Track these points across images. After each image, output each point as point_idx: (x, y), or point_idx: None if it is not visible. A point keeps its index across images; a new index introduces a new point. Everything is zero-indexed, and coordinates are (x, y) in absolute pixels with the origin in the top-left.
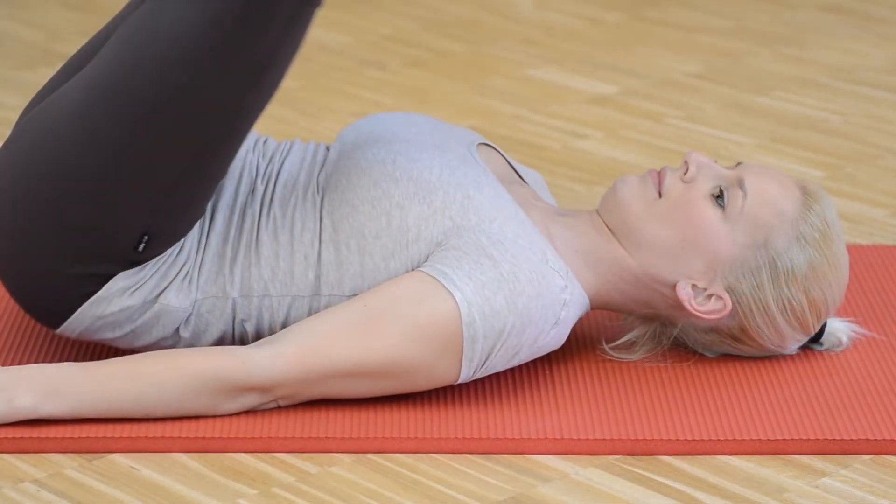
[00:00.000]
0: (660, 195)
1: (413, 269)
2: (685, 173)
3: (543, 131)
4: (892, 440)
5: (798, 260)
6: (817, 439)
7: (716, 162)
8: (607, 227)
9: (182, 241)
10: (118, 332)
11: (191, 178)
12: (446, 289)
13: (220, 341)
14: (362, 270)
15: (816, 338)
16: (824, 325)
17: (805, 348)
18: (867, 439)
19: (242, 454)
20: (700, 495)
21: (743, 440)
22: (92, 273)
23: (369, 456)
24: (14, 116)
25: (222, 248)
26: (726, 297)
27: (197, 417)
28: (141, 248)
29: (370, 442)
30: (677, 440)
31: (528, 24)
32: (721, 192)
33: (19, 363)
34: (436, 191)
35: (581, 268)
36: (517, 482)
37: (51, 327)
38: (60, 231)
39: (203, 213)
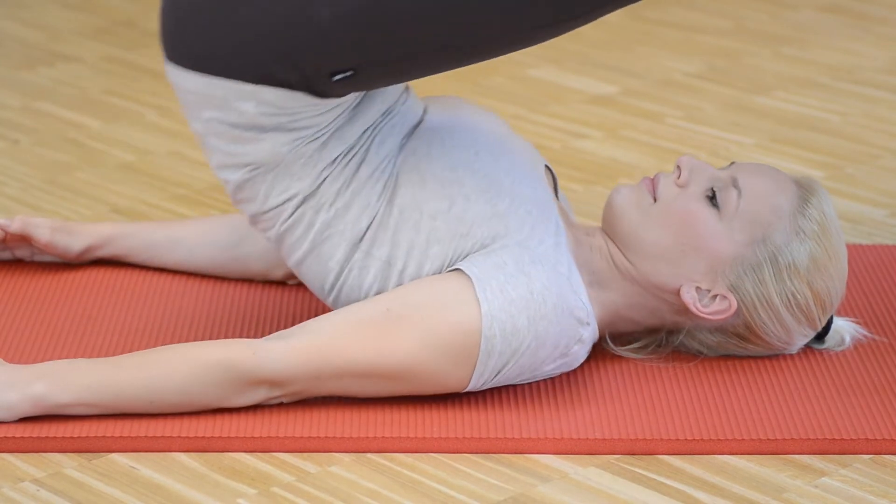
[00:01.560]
0: (654, 200)
1: (447, 265)
2: (678, 177)
3: (543, 131)
4: (892, 440)
5: (799, 253)
6: (817, 439)
7: (728, 167)
8: (612, 241)
9: (333, 106)
10: (213, 119)
11: (425, 58)
12: (476, 297)
13: (247, 200)
14: (403, 242)
15: (823, 333)
16: (831, 320)
17: (807, 347)
18: (867, 439)
19: (242, 454)
20: (700, 495)
21: (742, 440)
22: (274, 74)
23: (369, 455)
24: (15, 117)
25: (334, 144)
26: (731, 296)
27: (197, 416)
28: (336, 77)
29: (370, 441)
30: (677, 440)
31: None
32: (714, 192)
33: (22, 362)
34: (504, 196)
35: (595, 288)
36: (517, 482)
37: (178, 62)
38: (304, 21)
39: (381, 93)
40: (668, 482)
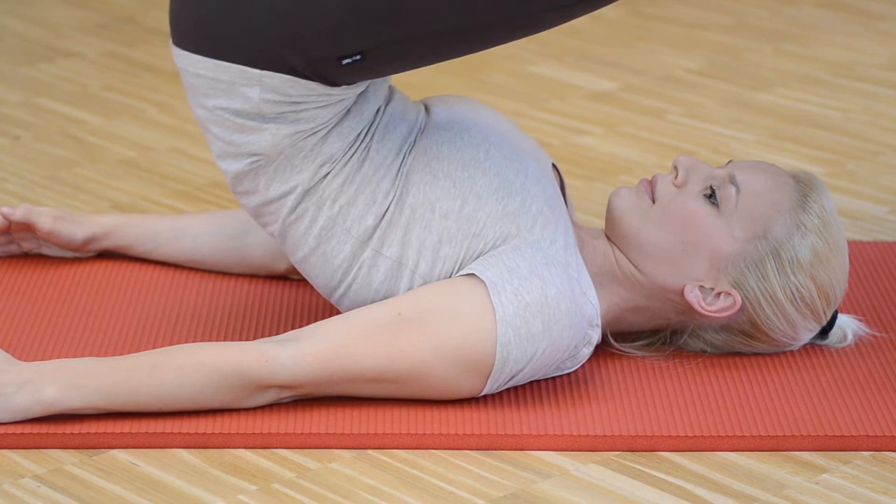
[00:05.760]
0: (653, 201)
1: (459, 266)
2: (676, 177)
3: (544, 127)
4: (893, 436)
5: (801, 247)
6: (817, 435)
7: (725, 166)
8: (616, 245)
9: (337, 100)
10: (218, 107)
11: (433, 42)
12: (491, 303)
13: (247, 193)
14: (414, 241)
15: (828, 328)
16: (835, 314)
17: (808, 343)
18: (867, 435)
19: (243, 450)
20: (700, 491)
21: (743, 436)
22: (282, 58)
23: (369, 452)
24: (16, 113)
25: (333, 139)
26: (735, 292)
27: (197, 413)
28: (345, 62)
29: (370, 438)
30: (677, 436)
31: None
32: (713, 190)
33: (25, 358)
34: (515, 195)
35: (597, 289)
36: (517, 478)
37: (186, 46)
38: (312, 2)
39: (385, 83)
40: (669, 479)
